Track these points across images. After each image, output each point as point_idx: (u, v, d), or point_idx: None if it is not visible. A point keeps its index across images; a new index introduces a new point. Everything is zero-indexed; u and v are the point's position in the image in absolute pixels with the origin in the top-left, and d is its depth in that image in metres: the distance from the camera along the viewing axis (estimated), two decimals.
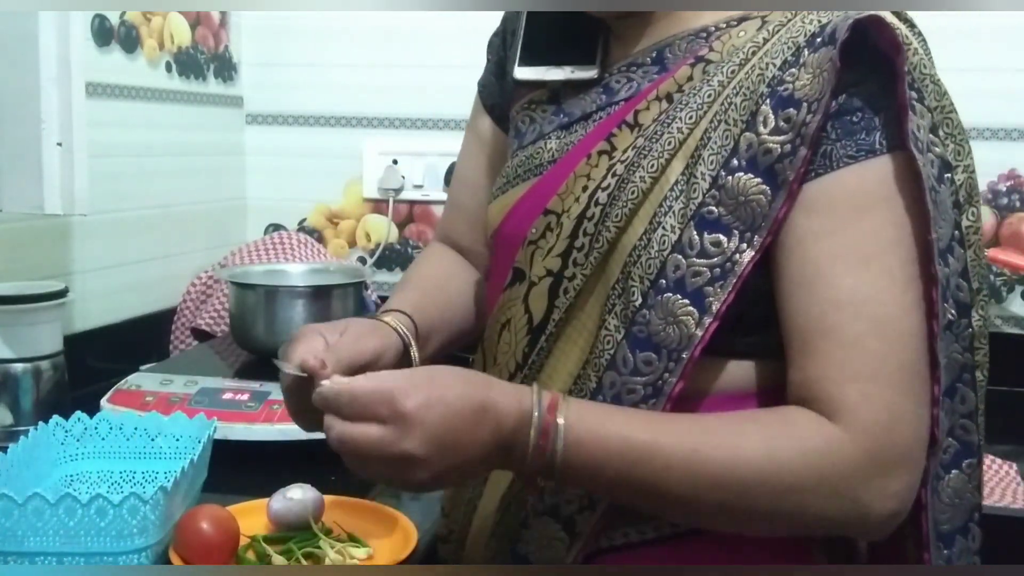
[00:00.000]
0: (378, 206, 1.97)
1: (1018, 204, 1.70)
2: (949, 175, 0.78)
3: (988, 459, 1.50)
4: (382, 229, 1.97)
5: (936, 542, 0.80)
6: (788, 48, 0.77)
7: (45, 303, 1.32)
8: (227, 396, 1.29)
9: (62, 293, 1.34)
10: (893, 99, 0.75)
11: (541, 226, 0.86)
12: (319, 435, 0.77)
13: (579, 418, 0.74)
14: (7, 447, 1.01)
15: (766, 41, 0.79)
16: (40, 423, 1.09)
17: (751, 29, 0.82)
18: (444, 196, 1.88)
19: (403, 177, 1.93)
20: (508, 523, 0.88)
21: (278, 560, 0.95)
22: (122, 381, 1.34)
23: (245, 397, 1.29)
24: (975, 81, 1.61)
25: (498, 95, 1.03)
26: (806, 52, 0.76)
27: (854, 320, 0.74)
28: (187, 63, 1.80)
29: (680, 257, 0.77)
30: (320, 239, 1.99)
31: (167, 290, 1.77)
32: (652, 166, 0.80)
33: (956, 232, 0.78)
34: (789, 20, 0.80)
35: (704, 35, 0.85)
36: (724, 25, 0.84)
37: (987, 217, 1.68)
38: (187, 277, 1.82)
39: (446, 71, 1.88)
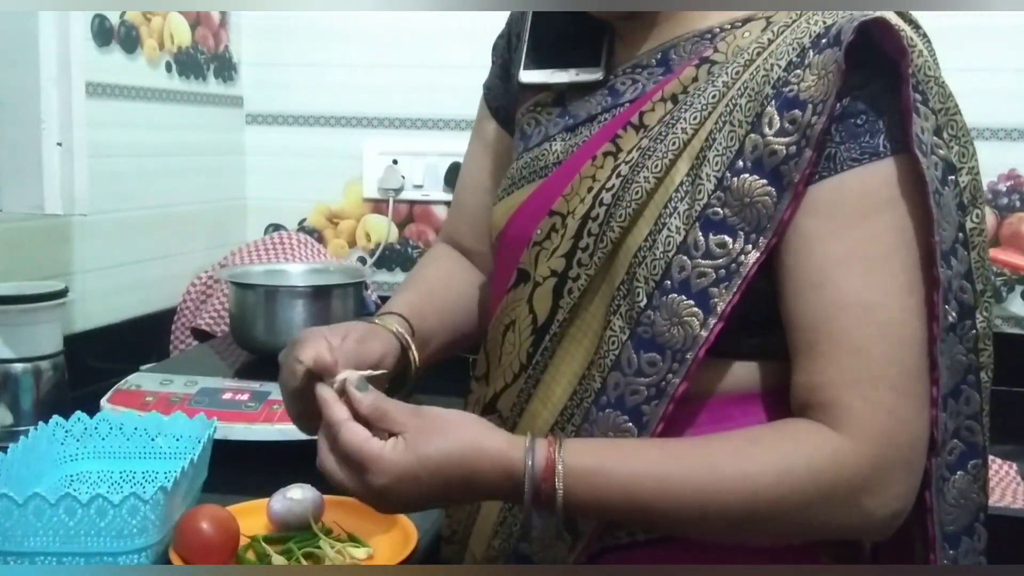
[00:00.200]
0: (378, 206, 1.97)
1: (1018, 204, 1.70)
2: (953, 177, 0.78)
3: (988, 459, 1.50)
4: (382, 229, 1.97)
5: (942, 543, 0.80)
6: (793, 49, 0.77)
7: (45, 303, 1.31)
8: (227, 396, 1.29)
9: (62, 293, 1.34)
10: (897, 102, 0.75)
11: (546, 227, 0.86)
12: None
13: (578, 477, 0.73)
14: (7, 447, 1.01)
15: (771, 42, 0.79)
16: (40, 423, 1.09)
17: (756, 30, 0.82)
18: (444, 196, 1.89)
19: (403, 177, 1.93)
20: (511, 523, 0.88)
21: (278, 560, 0.95)
22: (122, 381, 1.34)
23: (245, 397, 1.29)
24: (975, 81, 1.60)
25: (503, 98, 1.03)
26: (811, 53, 0.75)
27: (859, 324, 0.74)
28: (187, 63, 1.79)
29: (685, 258, 0.77)
30: (320, 239, 1.98)
31: (167, 290, 1.77)
32: (657, 167, 0.80)
33: (960, 234, 0.78)
34: (794, 21, 0.79)
35: (709, 36, 0.84)
36: (729, 26, 0.84)
37: (987, 217, 1.68)
38: (187, 277, 1.81)
39: (446, 71, 1.88)
